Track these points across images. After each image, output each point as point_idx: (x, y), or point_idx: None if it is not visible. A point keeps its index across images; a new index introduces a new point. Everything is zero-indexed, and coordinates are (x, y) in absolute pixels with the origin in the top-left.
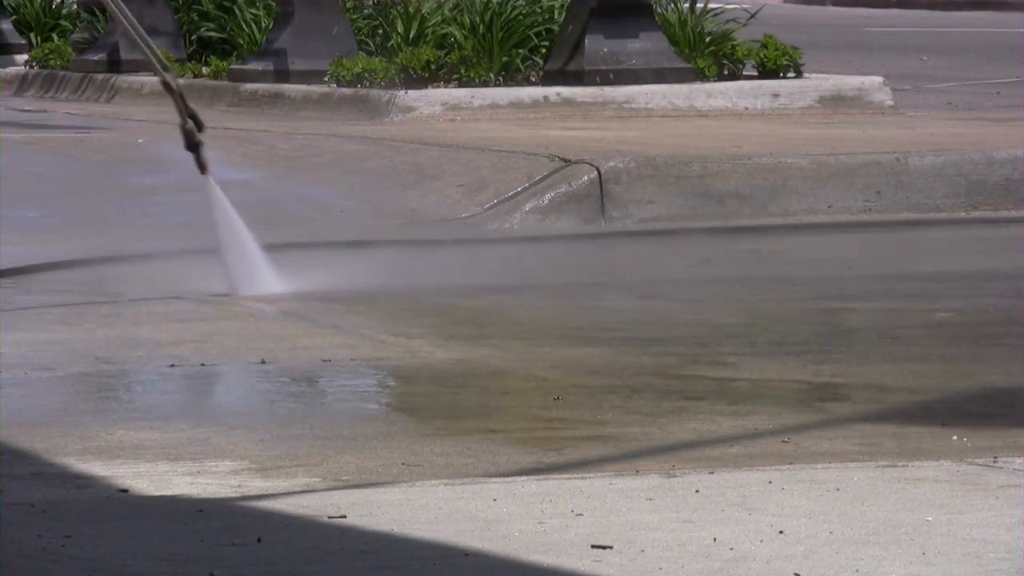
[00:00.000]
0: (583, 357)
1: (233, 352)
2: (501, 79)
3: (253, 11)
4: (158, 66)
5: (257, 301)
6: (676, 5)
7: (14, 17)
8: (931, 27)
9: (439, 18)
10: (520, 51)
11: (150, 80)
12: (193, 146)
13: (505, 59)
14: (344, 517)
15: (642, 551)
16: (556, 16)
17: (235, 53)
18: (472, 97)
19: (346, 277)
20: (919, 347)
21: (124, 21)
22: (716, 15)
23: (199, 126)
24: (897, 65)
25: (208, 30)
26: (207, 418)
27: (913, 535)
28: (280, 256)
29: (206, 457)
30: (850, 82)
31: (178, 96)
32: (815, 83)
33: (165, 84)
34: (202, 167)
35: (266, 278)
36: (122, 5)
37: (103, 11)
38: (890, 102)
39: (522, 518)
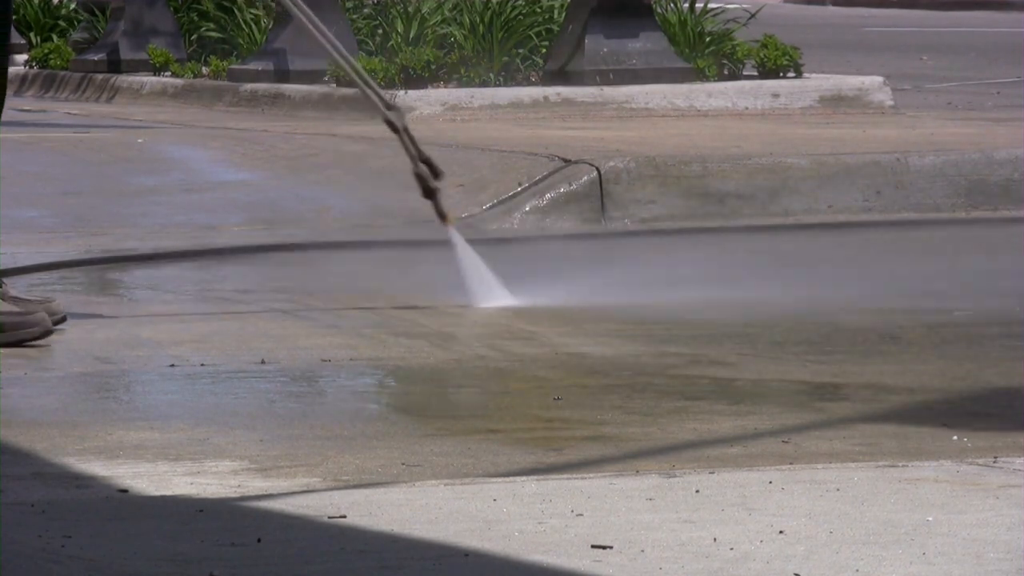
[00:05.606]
0: (583, 357)
1: (233, 352)
2: (501, 79)
3: (253, 11)
4: (380, 105)
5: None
6: (676, 5)
7: (13, 17)
8: (931, 27)
9: (439, 18)
10: (520, 51)
11: (150, 80)
12: (429, 193)
13: (505, 59)
14: (344, 517)
15: (642, 551)
16: (556, 16)
17: (235, 53)
18: (472, 97)
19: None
20: (919, 347)
21: (337, 57)
22: (716, 15)
23: (435, 172)
24: (897, 65)
25: (208, 30)
26: (207, 418)
27: (913, 535)
28: (280, 257)
29: (206, 457)
30: (850, 82)
31: (406, 137)
32: (815, 83)
33: (389, 124)
34: (442, 216)
35: (499, 293)
36: (339, 46)
37: (103, 11)
38: (890, 102)
39: (522, 518)
